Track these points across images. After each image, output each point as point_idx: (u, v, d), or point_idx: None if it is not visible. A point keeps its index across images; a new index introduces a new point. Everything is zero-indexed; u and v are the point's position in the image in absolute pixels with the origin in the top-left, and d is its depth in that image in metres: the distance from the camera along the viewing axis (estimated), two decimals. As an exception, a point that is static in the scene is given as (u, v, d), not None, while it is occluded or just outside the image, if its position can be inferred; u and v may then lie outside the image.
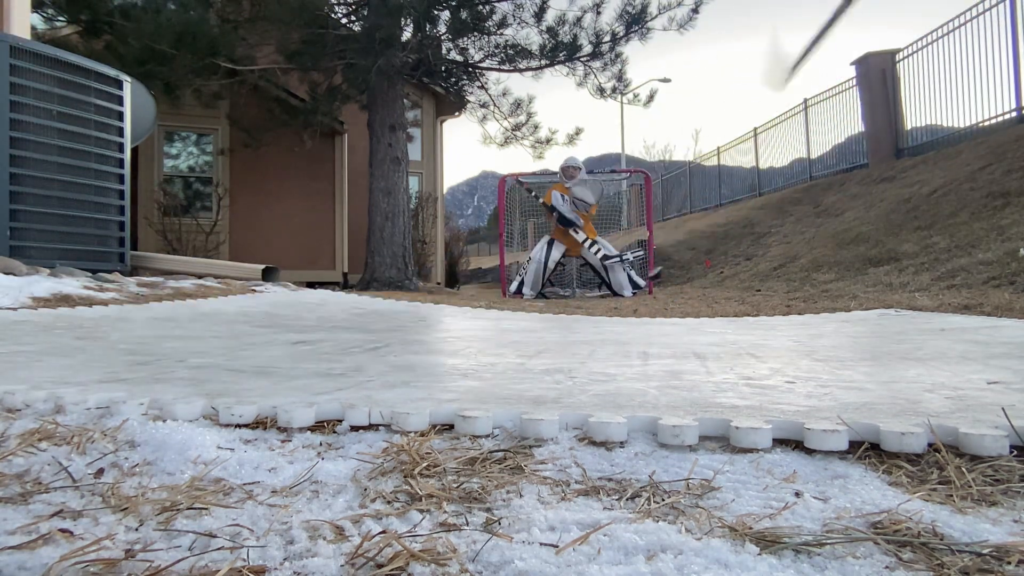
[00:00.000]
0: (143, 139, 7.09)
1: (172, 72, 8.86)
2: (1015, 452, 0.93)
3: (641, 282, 9.15)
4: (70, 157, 5.16)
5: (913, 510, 0.76)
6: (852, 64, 12.18)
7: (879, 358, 2.00)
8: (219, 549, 0.69)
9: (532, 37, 11.00)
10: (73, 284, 4.07)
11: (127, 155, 5.74)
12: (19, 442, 1.00)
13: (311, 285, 8.10)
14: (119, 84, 5.66)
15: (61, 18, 9.76)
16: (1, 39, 4.79)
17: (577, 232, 8.95)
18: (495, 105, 11.62)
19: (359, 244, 11.54)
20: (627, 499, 0.83)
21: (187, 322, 3.18)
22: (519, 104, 11.63)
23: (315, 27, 9.38)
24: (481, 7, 10.25)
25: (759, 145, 16.40)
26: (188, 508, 0.79)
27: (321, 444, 1.08)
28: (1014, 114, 9.00)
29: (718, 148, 18.71)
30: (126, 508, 0.79)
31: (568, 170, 9.12)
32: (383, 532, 0.73)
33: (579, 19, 10.31)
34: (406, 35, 10.22)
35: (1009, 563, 0.64)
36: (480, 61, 10.87)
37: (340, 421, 1.16)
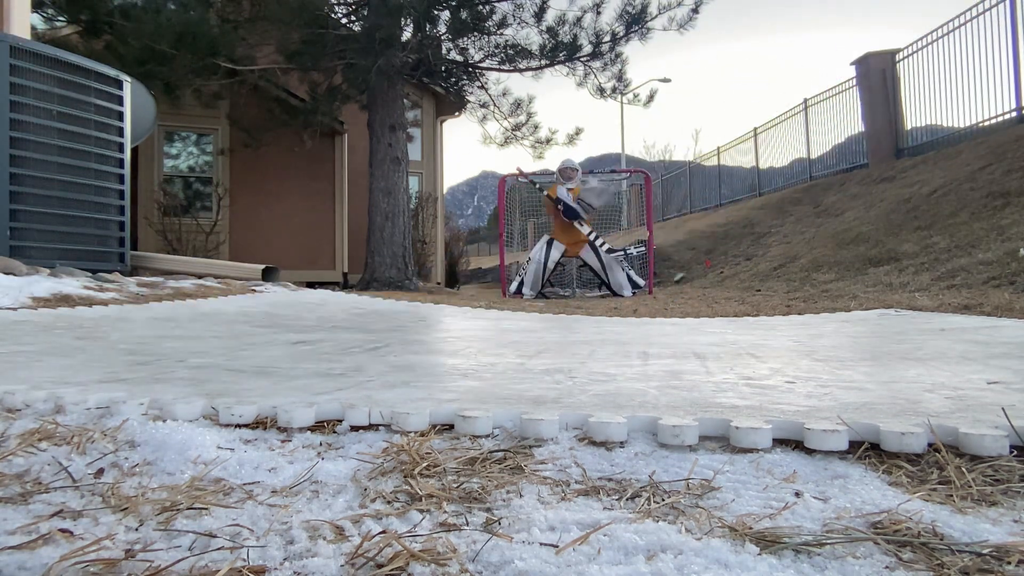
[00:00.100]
0: (143, 139, 7.09)
1: (172, 72, 8.86)
2: (1015, 452, 0.93)
3: (641, 282, 9.16)
4: (70, 157, 5.16)
5: (913, 510, 0.76)
6: (852, 64, 12.18)
7: (879, 358, 2.00)
8: (219, 549, 0.69)
9: (532, 37, 11.02)
10: (73, 284, 4.07)
11: (127, 155, 5.74)
12: (19, 442, 1.00)
13: (311, 285, 8.10)
14: (119, 84, 5.66)
15: (61, 18, 9.76)
16: (1, 39, 4.79)
17: (582, 225, 8.98)
18: (495, 105, 11.63)
19: (359, 244, 11.54)
20: (627, 499, 0.83)
21: (187, 322, 3.18)
22: (519, 104, 11.64)
23: (315, 27, 9.38)
24: (481, 7, 10.25)
25: (759, 145, 16.39)
26: (188, 508, 0.79)
27: (321, 444, 1.08)
28: (1014, 114, 9.00)
29: (718, 148, 18.70)
30: (126, 508, 0.79)
31: (566, 171, 9.21)
32: (383, 532, 0.73)
33: (579, 19, 10.32)
34: (406, 35, 10.22)
35: (1009, 563, 0.64)
36: (480, 61, 10.87)
37: (340, 421, 1.16)
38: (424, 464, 0.94)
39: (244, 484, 0.89)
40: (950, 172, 8.74)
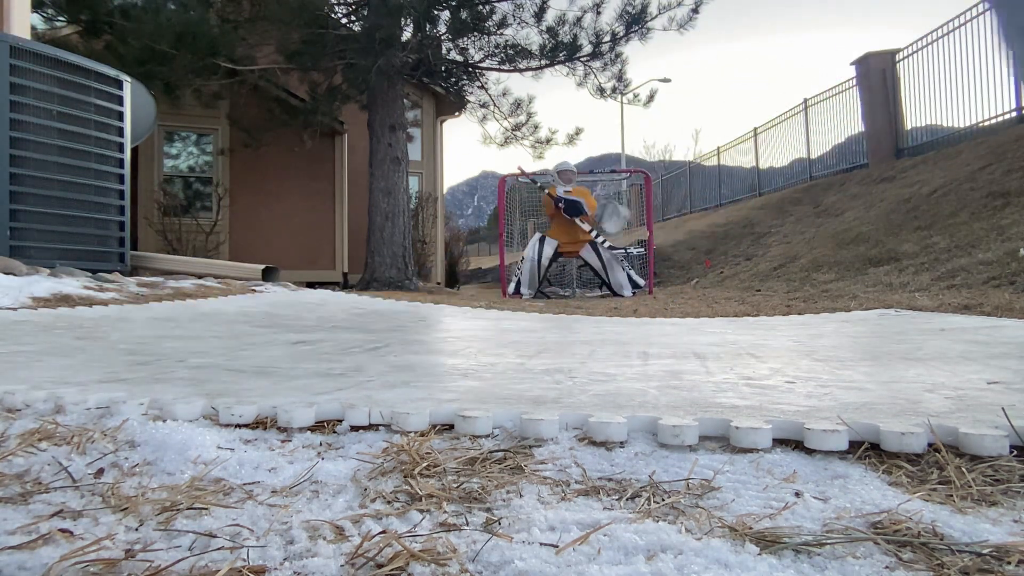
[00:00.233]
0: (143, 139, 7.09)
1: (172, 72, 8.86)
2: (1015, 452, 0.93)
3: (641, 282, 9.17)
4: (70, 157, 5.16)
5: (913, 510, 0.76)
6: (852, 64, 12.18)
7: (879, 358, 2.00)
8: (219, 549, 0.69)
9: (532, 37, 11.02)
10: (73, 284, 4.07)
11: (127, 155, 5.74)
12: (19, 442, 1.00)
13: (311, 285, 8.10)
14: (119, 84, 5.66)
15: (61, 18, 9.76)
16: (1, 39, 4.79)
17: (583, 222, 9.01)
18: (495, 105, 11.63)
19: (359, 244, 11.54)
20: (627, 499, 0.83)
21: (187, 322, 3.18)
22: (519, 104, 11.64)
23: (315, 27, 9.38)
24: (481, 7, 10.25)
25: (759, 145, 16.39)
26: (188, 508, 0.79)
27: (321, 444, 1.08)
28: (1014, 114, 9.00)
29: (718, 148, 18.70)
30: (126, 508, 0.79)
31: (565, 174, 9.29)
32: (383, 532, 0.73)
33: (579, 19, 10.32)
34: (406, 35, 10.22)
35: (1009, 563, 0.64)
36: (480, 61, 10.87)
37: (340, 421, 1.16)
38: (424, 464, 0.94)
39: (244, 484, 0.89)
40: (950, 172, 8.74)
